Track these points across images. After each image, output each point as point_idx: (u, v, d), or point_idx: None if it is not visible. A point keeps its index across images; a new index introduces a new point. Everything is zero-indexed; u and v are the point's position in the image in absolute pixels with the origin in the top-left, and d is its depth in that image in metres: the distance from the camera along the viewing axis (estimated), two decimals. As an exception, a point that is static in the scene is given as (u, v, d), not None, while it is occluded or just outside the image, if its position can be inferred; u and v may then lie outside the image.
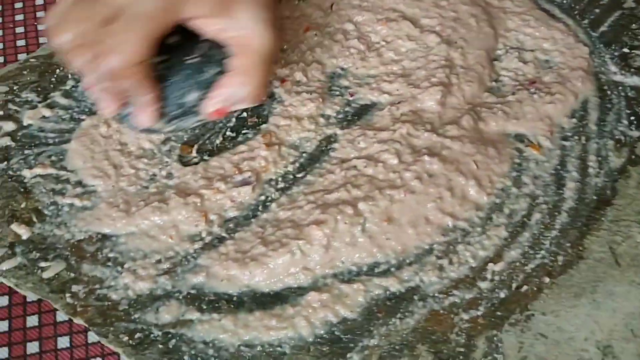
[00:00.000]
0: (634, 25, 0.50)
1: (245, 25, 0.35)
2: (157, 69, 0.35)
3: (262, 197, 0.40)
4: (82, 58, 0.33)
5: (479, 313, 0.36)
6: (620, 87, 0.46)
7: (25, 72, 0.47)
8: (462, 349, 0.35)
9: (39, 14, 0.54)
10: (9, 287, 0.38)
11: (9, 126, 0.44)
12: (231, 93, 0.36)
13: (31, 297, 0.38)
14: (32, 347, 0.37)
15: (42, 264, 0.38)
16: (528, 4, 0.51)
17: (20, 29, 0.53)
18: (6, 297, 0.39)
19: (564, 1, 0.52)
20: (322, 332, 0.35)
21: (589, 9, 0.51)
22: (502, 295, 0.37)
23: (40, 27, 0.53)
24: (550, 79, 0.46)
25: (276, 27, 0.36)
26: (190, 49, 0.36)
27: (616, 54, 0.48)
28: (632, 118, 0.44)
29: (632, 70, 0.47)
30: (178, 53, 0.36)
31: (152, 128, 0.37)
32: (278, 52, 0.38)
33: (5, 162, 0.42)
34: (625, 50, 0.48)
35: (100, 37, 0.33)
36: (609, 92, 0.46)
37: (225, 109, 0.37)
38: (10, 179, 0.41)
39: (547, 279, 0.37)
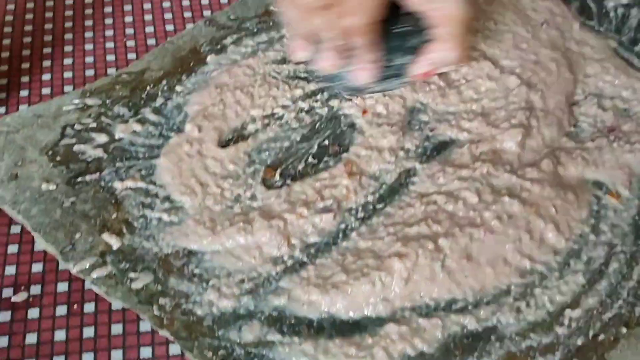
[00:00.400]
0: None
1: None
2: None
3: (343, 225, 0.42)
4: (324, 17, 0.39)
5: (556, 358, 0.36)
6: (700, 140, 0.46)
7: (117, 87, 0.49)
8: (538, 393, 0.35)
9: (128, 30, 0.57)
10: (96, 294, 0.40)
11: (102, 138, 0.46)
12: (440, 57, 0.42)
13: (116, 305, 0.40)
14: (116, 355, 0.38)
15: (132, 275, 0.39)
16: (607, 52, 0.52)
17: (110, 44, 0.56)
18: (93, 304, 0.40)
19: (644, 51, 0.52)
20: (400, 364, 0.36)
21: (669, 60, 0.52)
22: (579, 342, 0.37)
23: (128, 44, 0.56)
24: (629, 128, 0.46)
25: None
26: (395, 20, 0.42)
27: (695, 106, 0.48)
28: None
29: None
30: (386, 23, 0.42)
31: (363, 87, 0.43)
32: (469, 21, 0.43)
33: (98, 173, 0.44)
34: None
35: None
36: (688, 145, 0.46)
37: (433, 71, 0.43)
38: (102, 190, 0.43)
39: (624, 329, 0.37)
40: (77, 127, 0.47)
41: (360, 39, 0.40)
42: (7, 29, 0.57)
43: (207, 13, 0.58)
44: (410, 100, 0.48)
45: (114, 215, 0.42)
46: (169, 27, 0.57)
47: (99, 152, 0.45)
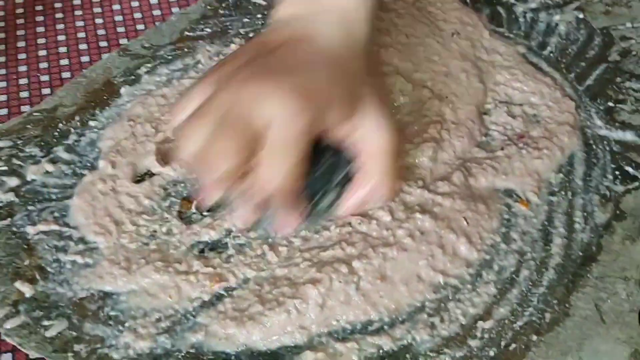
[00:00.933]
0: (618, 78, 0.52)
1: (369, 129, 0.38)
2: None
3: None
4: (237, 191, 0.36)
5: (469, 372, 0.37)
6: (605, 142, 0.48)
7: (29, 126, 0.48)
8: (452, 408, 0.36)
9: (42, 64, 0.56)
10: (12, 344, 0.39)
11: (13, 181, 0.45)
12: (367, 194, 0.39)
13: (33, 354, 0.39)
14: (35, 405, 0.38)
15: (45, 322, 0.39)
16: (517, 58, 0.53)
17: (23, 80, 0.55)
18: (9, 354, 0.40)
19: (551, 55, 0.54)
20: (317, 391, 0.36)
21: (575, 63, 0.53)
22: (492, 353, 0.38)
23: (42, 78, 0.55)
24: (538, 134, 0.48)
25: (394, 122, 0.39)
26: (319, 156, 0.38)
27: (601, 107, 0.50)
28: (617, 173, 0.46)
29: (617, 124, 0.49)
30: (309, 163, 0.37)
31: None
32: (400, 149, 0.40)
33: (9, 219, 0.43)
34: (610, 104, 0.50)
35: (250, 167, 0.34)
36: (594, 147, 0.48)
37: (362, 208, 0.40)
38: (14, 236, 0.43)
39: (534, 337, 0.38)
40: (-12, 171, 0.46)
41: (279, 200, 0.36)
42: None
43: (123, 41, 0.58)
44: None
45: (26, 262, 0.41)
46: (84, 58, 0.56)
47: (10, 196, 0.44)
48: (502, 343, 0.38)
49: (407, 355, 0.38)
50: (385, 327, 0.39)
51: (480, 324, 0.39)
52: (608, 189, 0.45)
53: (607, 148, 0.47)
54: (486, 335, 0.38)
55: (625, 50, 0.54)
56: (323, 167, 0.38)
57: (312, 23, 0.39)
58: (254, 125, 0.34)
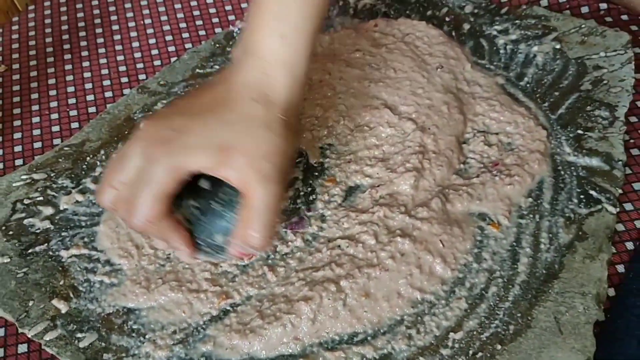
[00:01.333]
0: (589, 107, 0.56)
1: (243, 178, 0.39)
2: (190, 210, 0.42)
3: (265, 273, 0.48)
4: (120, 214, 0.41)
5: (440, 377, 0.43)
6: (572, 167, 0.53)
7: (60, 160, 0.55)
8: (424, 409, 0.42)
9: (70, 100, 0.63)
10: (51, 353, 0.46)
11: (48, 210, 0.52)
12: (243, 242, 0.41)
13: (69, 361, 0.46)
14: (71, 405, 0.45)
15: (79, 335, 0.45)
16: (495, 89, 0.58)
17: (54, 115, 0.61)
18: (49, 362, 0.47)
19: (528, 85, 0.58)
20: (308, 394, 0.42)
21: (550, 92, 0.58)
22: (461, 361, 0.43)
23: (71, 113, 0.62)
24: (511, 161, 0.53)
25: (279, 175, 0.39)
26: (217, 191, 0.42)
27: (571, 135, 0.55)
28: (582, 197, 0.51)
29: (584, 151, 0.53)
30: (208, 195, 0.42)
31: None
32: (281, 199, 0.40)
33: (46, 244, 0.50)
34: (580, 131, 0.55)
35: (129, 197, 0.40)
36: (562, 172, 0.52)
37: (246, 253, 0.42)
38: (50, 259, 0.49)
39: (499, 346, 0.44)
40: (26, 201, 0.52)
41: (156, 232, 0.41)
42: (-40, 109, 0.62)
43: (142, 77, 0.64)
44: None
45: (61, 282, 0.48)
46: (108, 94, 0.63)
47: (46, 224, 0.51)
48: (470, 352, 0.44)
49: (387, 363, 0.44)
50: (369, 338, 0.44)
51: (451, 335, 0.44)
52: (573, 212, 0.50)
53: (574, 173, 0.52)
54: (457, 345, 0.44)
55: (597, 79, 0.58)
56: (219, 203, 0.42)
57: (236, 67, 0.42)
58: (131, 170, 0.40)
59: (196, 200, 0.42)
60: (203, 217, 0.42)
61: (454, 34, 0.63)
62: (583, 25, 0.63)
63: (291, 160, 0.42)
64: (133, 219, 0.40)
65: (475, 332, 0.45)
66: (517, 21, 0.64)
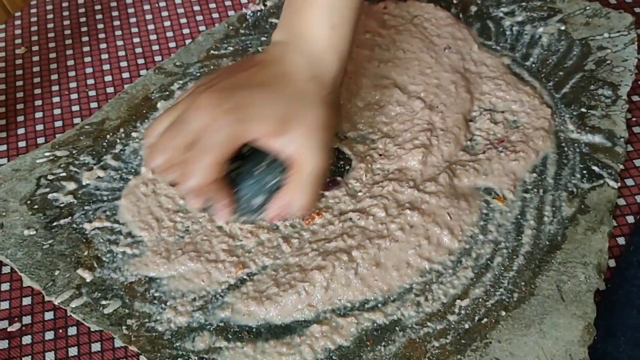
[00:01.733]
0: (592, 86, 0.58)
1: (299, 147, 0.43)
2: (232, 175, 0.45)
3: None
4: (172, 176, 0.44)
5: (447, 341, 0.45)
6: (576, 144, 0.55)
7: (82, 138, 0.57)
8: (432, 371, 0.44)
9: (89, 81, 0.65)
10: (77, 319, 0.48)
11: (71, 185, 0.54)
12: (285, 205, 0.45)
13: (94, 328, 0.48)
14: (97, 368, 0.47)
15: (103, 302, 0.48)
16: (501, 69, 0.60)
17: (74, 95, 0.64)
18: (75, 328, 0.49)
19: (533, 65, 0.60)
20: (322, 357, 0.45)
21: (554, 72, 0.59)
22: (467, 326, 0.46)
23: (90, 93, 0.64)
24: (516, 138, 0.54)
25: (329, 147, 0.44)
26: (259, 158, 0.45)
27: (575, 113, 0.56)
28: (585, 172, 0.53)
29: (587, 128, 0.55)
30: (249, 161, 0.45)
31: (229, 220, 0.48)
32: (329, 169, 0.45)
33: (70, 217, 0.52)
34: (583, 110, 0.56)
35: (184, 160, 0.42)
36: (566, 149, 0.54)
37: (283, 216, 0.46)
38: (74, 231, 0.52)
39: (503, 313, 0.46)
40: (50, 177, 0.55)
41: (206, 193, 0.44)
42: (-17, 89, 0.65)
43: (157, 58, 0.66)
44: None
45: (85, 253, 0.50)
46: (125, 75, 0.65)
47: (70, 198, 0.53)
48: (476, 318, 0.46)
49: (397, 328, 0.46)
50: (379, 305, 0.47)
51: (458, 302, 0.47)
52: (575, 187, 0.52)
53: (577, 150, 0.54)
54: (463, 312, 0.46)
55: (600, 59, 0.60)
56: (260, 169, 0.45)
57: (288, 49, 0.46)
58: (190, 135, 0.42)
59: (241, 165, 0.45)
60: (246, 180, 0.45)
61: (461, 16, 0.65)
62: (587, 7, 0.64)
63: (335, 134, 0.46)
64: (189, 182, 0.43)
65: (480, 300, 0.47)
66: (522, 3, 0.65)
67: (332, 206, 0.51)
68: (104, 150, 0.57)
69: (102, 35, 0.69)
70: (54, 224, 0.52)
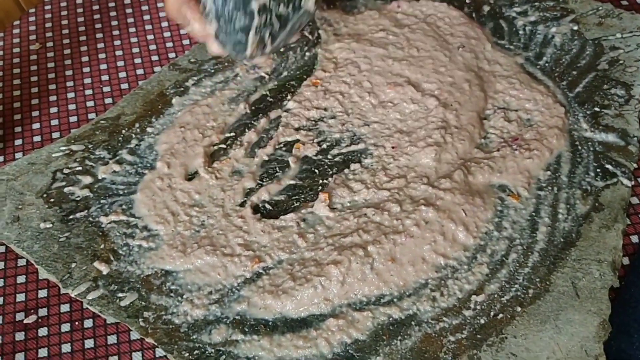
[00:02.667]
0: (605, 85, 0.58)
1: None
2: None
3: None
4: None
5: (463, 336, 0.45)
6: (589, 143, 0.55)
7: (97, 132, 0.58)
8: (448, 365, 0.44)
9: (103, 77, 0.65)
10: (93, 312, 0.49)
11: (87, 179, 0.55)
12: None
13: (110, 320, 0.48)
14: (113, 360, 0.47)
15: (120, 295, 0.48)
16: (515, 68, 0.60)
17: (89, 91, 0.64)
18: (91, 320, 0.49)
19: (547, 64, 0.60)
20: (338, 350, 0.45)
21: (568, 71, 0.60)
22: (482, 321, 0.46)
23: (104, 89, 0.64)
24: (530, 136, 0.55)
25: None
26: None
27: (588, 112, 0.57)
28: (598, 170, 0.53)
29: (601, 127, 0.56)
30: None
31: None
32: None
33: (86, 210, 0.53)
34: (596, 109, 0.57)
35: None
36: (579, 147, 0.55)
37: None
38: (90, 224, 0.52)
39: (519, 308, 0.46)
40: (66, 171, 0.55)
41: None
42: (-2, 84, 0.65)
43: (171, 55, 0.67)
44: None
45: (102, 246, 0.51)
46: (139, 71, 0.65)
47: (86, 192, 0.54)
48: (492, 313, 0.46)
49: (412, 322, 0.46)
50: (395, 299, 0.47)
51: (473, 297, 0.47)
52: (589, 185, 0.52)
53: (591, 148, 0.54)
54: (478, 307, 0.46)
55: (614, 59, 0.60)
56: None
57: None
58: None
59: None
60: None
61: (474, 15, 0.65)
62: (600, 8, 0.65)
63: None
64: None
65: (496, 295, 0.47)
66: (535, 3, 0.65)
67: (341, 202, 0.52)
68: (119, 144, 0.57)
69: (116, 32, 0.69)
70: (70, 217, 0.52)
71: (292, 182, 0.54)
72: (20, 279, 0.52)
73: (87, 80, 0.65)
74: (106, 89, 0.64)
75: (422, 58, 0.60)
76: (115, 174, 0.55)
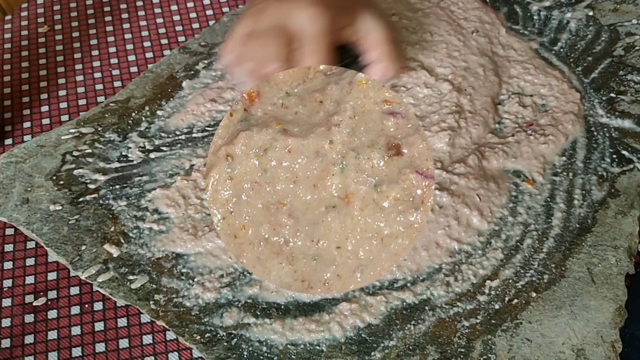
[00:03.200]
0: (621, 72, 0.58)
1: (372, 25, 0.48)
2: None
3: (303, 224, 0.50)
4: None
5: (477, 321, 0.45)
6: (605, 129, 0.54)
7: (107, 115, 0.57)
8: (462, 350, 0.44)
9: (112, 60, 0.64)
10: (103, 294, 0.48)
11: (97, 162, 0.54)
12: (381, 76, 0.49)
13: (120, 303, 0.48)
14: (124, 343, 0.47)
15: (130, 277, 0.48)
16: (529, 53, 0.59)
17: (97, 74, 0.63)
18: (101, 303, 0.49)
19: (561, 50, 0.60)
20: (351, 334, 0.44)
21: (583, 57, 0.59)
22: (497, 306, 0.45)
23: (113, 72, 0.63)
24: (545, 122, 0.54)
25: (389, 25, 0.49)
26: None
27: (604, 98, 0.56)
28: (614, 156, 0.52)
29: (617, 113, 0.55)
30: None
31: None
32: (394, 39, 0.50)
33: (96, 193, 0.52)
34: (612, 95, 0.56)
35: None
36: (595, 133, 0.54)
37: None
38: (101, 207, 0.51)
39: (534, 294, 0.46)
40: (75, 153, 0.55)
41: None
42: (7, 67, 0.64)
43: (181, 39, 0.66)
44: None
45: (112, 228, 0.50)
46: (149, 55, 0.65)
47: (96, 175, 0.53)
48: (506, 298, 0.46)
49: (426, 307, 0.45)
50: (409, 284, 0.46)
51: (488, 282, 0.46)
52: (605, 170, 0.52)
53: (607, 134, 0.54)
54: (493, 292, 0.46)
55: (630, 45, 0.59)
56: (342, 63, 0.49)
57: None
58: (289, 31, 0.45)
59: None
60: None
61: (487, 0, 0.64)
62: (615, -6, 0.64)
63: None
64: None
65: (510, 281, 0.46)
66: (550, -12, 0.65)
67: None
68: (129, 127, 0.56)
69: (125, 16, 0.68)
70: (80, 199, 0.52)
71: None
72: (30, 261, 0.51)
73: (96, 64, 0.64)
74: (115, 72, 0.63)
75: (436, 42, 0.59)
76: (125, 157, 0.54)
